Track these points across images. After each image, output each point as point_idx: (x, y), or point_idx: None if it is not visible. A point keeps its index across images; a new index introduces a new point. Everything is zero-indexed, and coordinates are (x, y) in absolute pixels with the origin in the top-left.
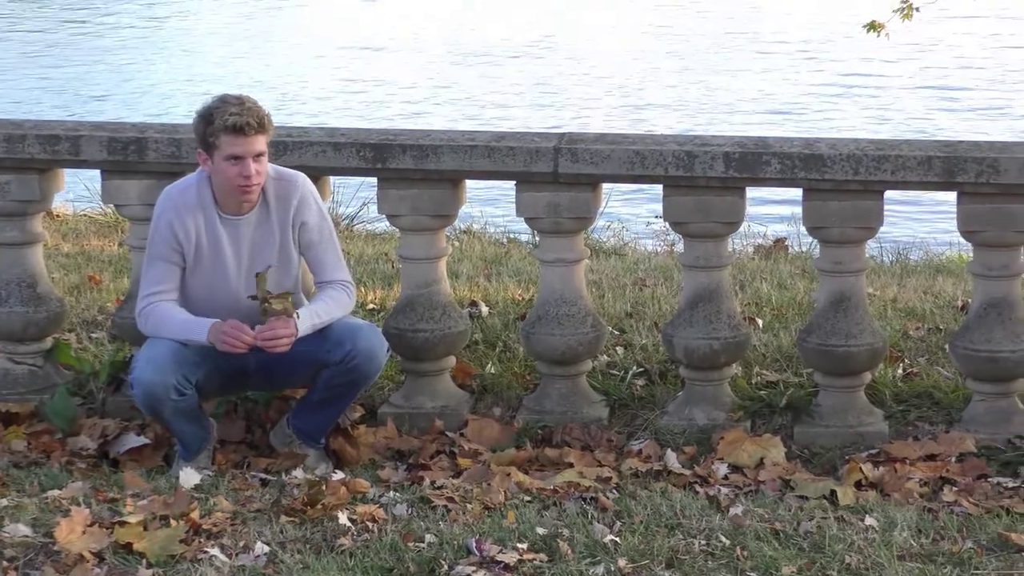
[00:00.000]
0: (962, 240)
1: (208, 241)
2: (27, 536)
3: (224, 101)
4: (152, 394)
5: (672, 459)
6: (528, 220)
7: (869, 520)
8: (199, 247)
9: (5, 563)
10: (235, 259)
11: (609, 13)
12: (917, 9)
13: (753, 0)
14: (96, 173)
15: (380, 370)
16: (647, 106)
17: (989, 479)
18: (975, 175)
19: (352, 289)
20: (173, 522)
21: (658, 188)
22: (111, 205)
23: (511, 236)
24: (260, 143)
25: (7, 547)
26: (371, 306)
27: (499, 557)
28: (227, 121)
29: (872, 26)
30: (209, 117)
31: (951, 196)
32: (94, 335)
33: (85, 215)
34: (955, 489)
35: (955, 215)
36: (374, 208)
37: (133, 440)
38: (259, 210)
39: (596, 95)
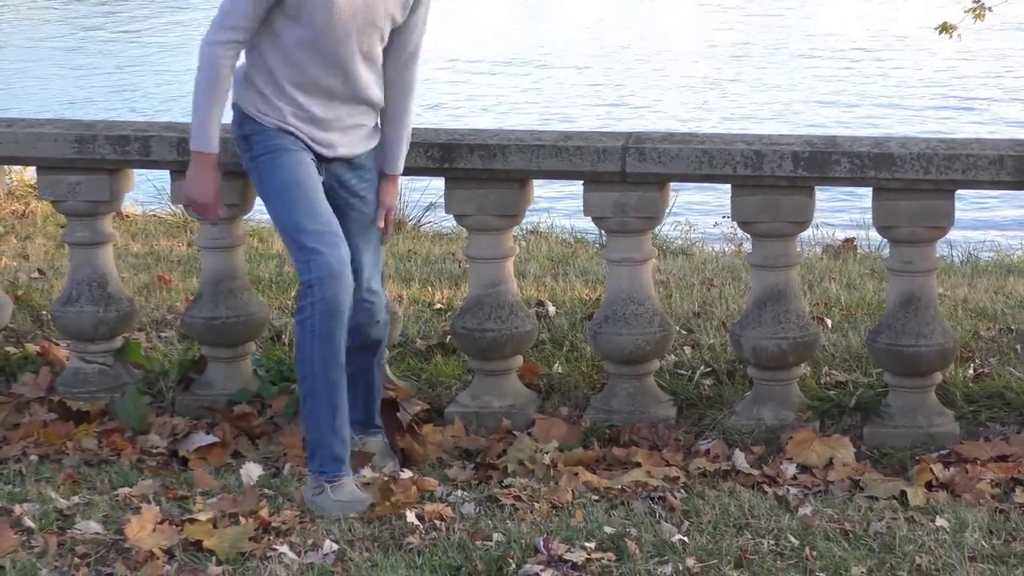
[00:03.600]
0: None
1: None
2: (98, 533)
3: None
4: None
5: (740, 459)
6: (595, 220)
7: (940, 521)
8: None
9: (77, 560)
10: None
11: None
12: (990, 9)
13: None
14: (165, 173)
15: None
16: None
17: None
18: None
19: None
20: (243, 520)
21: (727, 188)
22: (180, 205)
23: (578, 236)
24: None
25: (79, 544)
26: (439, 306)
27: (567, 556)
28: None
29: (944, 28)
30: None
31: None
32: (164, 334)
33: (154, 215)
34: None
35: None
36: (441, 209)
37: (202, 438)
38: None
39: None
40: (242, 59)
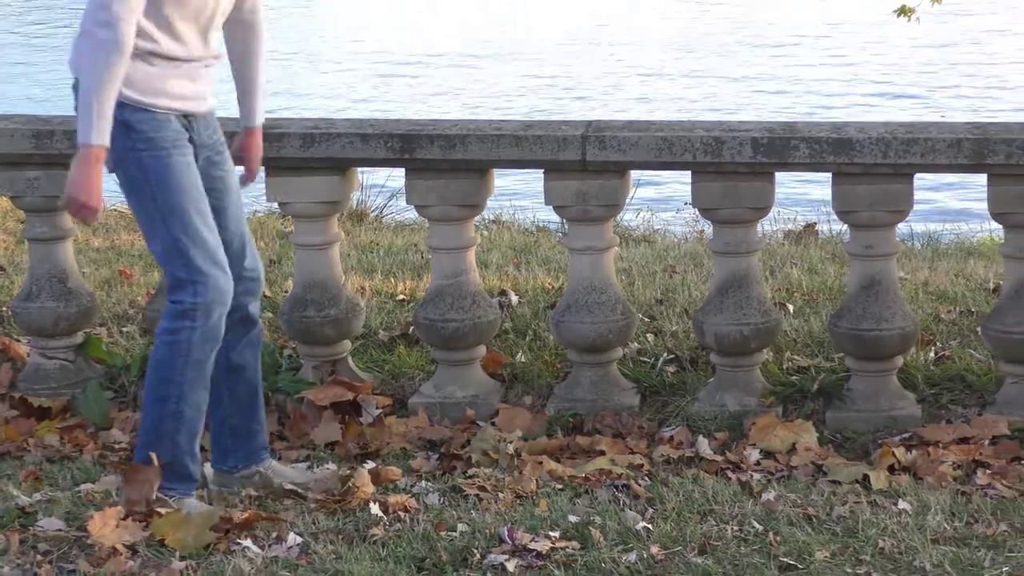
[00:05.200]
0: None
1: None
2: (60, 530)
3: None
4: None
5: (704, 445)
6: (557, 208)
7: (902, 504)
8: None
9: (39, 557)
10: None
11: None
12: None
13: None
14: None
15: None
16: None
17: (1023, 461)
18: (1005, 156)
19: None
20: (204, 514)
21: (687, 175)
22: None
23: (540, 225)
24: None
25: (41, 541)
26: (401, 297)
27: (531, 545)
28: None
29: (903, 11)
30: None
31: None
32: (125, 329)
33: (115, 210)
34: (989, 472)
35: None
36: (402, 200)
37: None
38: None
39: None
40: None
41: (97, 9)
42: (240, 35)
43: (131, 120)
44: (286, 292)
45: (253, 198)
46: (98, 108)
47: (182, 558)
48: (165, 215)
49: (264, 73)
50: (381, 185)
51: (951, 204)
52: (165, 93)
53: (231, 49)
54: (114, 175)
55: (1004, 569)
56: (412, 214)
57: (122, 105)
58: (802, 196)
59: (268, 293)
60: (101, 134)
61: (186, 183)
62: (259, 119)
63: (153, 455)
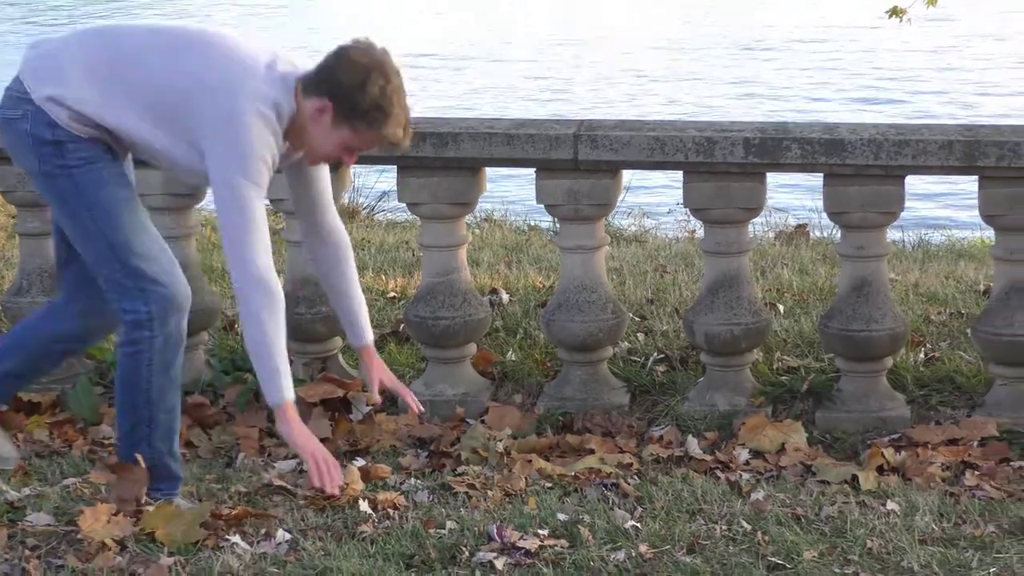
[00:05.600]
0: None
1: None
2: (49, 525)
3: (404, 110)
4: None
5: (693, 445)
6: (548, 207)
7: (891, 504)
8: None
9: (27, 552)
10: None
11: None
12: None
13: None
14: None
15: None
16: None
17: (1011, 463)
18: (996, 159)
19: None
20: (195, 510)
21: (679, 175)
22: None
23: (532, 224)
24: None
25: (29, 536)
26: (392, 294)
27: (520, 543)
28: (391, 135)
29: (894, 12)
30: (386, 114)
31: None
32: None
33: None
34: (977, 473)
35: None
36: (394, 197)
37: None
38: None
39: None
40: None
41: (243, 265)
42: (325, 257)
43: (61, 139)
44: None
45: None
46: (278, 365)
47: (171, 554)
48: (101, 226)
49: (358, 288)
50: (370, 188)
51: (936, 213)
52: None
53: (321, 271)
54: (44, 187)
55: (992, 570)
56: (404, 211)
57: (55, 127)
58: (796, 201)
59: None
60: (289, 389)
61: (117, 193)
62: (369, 336)
63: (139, 456)
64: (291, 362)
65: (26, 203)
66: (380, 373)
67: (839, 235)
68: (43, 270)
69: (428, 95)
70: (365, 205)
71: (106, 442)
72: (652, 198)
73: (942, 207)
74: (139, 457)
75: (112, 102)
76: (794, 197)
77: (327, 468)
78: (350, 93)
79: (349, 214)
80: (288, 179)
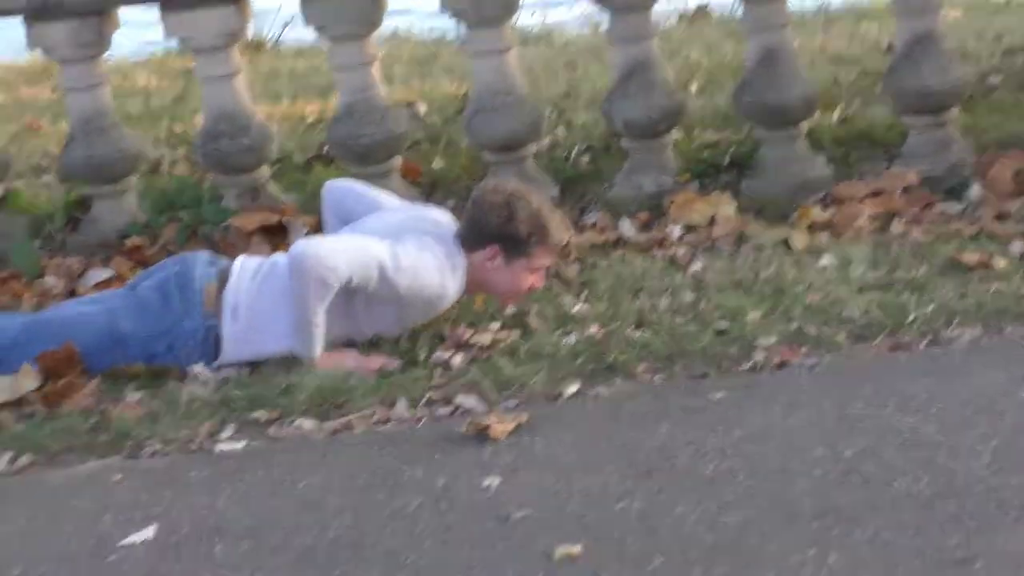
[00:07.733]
0: None
1: None
2: None
3: (551, 212)
4: None
5: (627, 227)
6: (453, 14)
7: (825, 260)
8: None
9: None
10: None
11: None
12: None
13: None
14: (16, 21)
15: None
16: None
17: (934, 207)
18: None
19: None
20: None
21: None
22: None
23: (438, 35)
24: None
25: None
26: (311, 119)
27: (474, 340)
28: (560, 240)
29: None
30: (544, 228)
31: None
32: (43, 179)
33: (13, 65)
34: (904, 220)
35: None
36: (299, 27)
37: (99, 274)
38: None
39: None
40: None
41: (324, 263)
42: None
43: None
44: (196, 127)
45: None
46: (318, 329)
47: (136, 389)
48: None
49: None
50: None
51: None
52: None
53: None
54: None
55: (931, 307)
56: (310, 37)
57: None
58: None
59: (178, 129)
60: (320, 346)
61: None
62: None
63: None
64: (222, 196)
65: None
66: None
67: (741, 11)
68: None
69: None
70: (270, 36)
71: (53, 291)
72: None
73: None
74: None
75: None
76: None
77: (368, 363)
78: (506, 229)
79: (255, 47)
80: None
